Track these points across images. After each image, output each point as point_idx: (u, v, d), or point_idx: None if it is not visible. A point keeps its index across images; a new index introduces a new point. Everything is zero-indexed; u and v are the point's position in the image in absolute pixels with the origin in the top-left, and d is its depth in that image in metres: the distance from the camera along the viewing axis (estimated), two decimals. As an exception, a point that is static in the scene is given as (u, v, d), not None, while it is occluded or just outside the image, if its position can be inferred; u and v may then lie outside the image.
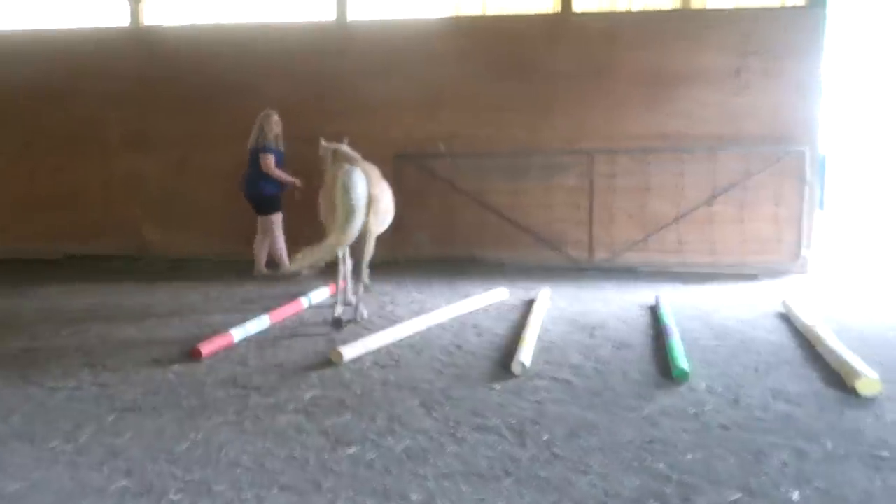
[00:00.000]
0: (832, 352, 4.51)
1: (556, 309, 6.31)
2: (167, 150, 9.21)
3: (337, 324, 5.61)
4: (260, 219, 7.87)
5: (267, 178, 7.64)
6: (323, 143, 6.74)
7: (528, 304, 6.37)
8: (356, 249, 6.06)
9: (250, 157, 7.73)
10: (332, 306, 5.90)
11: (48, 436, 3.49)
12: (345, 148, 6.55)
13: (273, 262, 8.05)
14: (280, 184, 7.76)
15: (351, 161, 6.15)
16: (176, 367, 4.59)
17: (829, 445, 3.30)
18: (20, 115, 9.39)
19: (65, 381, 4.33)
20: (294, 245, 7.47)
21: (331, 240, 5.53)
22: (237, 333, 5.16)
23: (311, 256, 5.55)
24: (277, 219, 7.88)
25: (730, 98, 8.08)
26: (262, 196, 7.74)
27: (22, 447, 3.36)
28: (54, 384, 4.28)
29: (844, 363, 4.24)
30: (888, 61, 13.22)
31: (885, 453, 3.21)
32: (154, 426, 3.60)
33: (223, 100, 8.98)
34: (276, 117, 7.70)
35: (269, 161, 7.58)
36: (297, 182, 7.74)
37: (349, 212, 5.51)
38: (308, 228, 7.33)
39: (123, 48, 9.22)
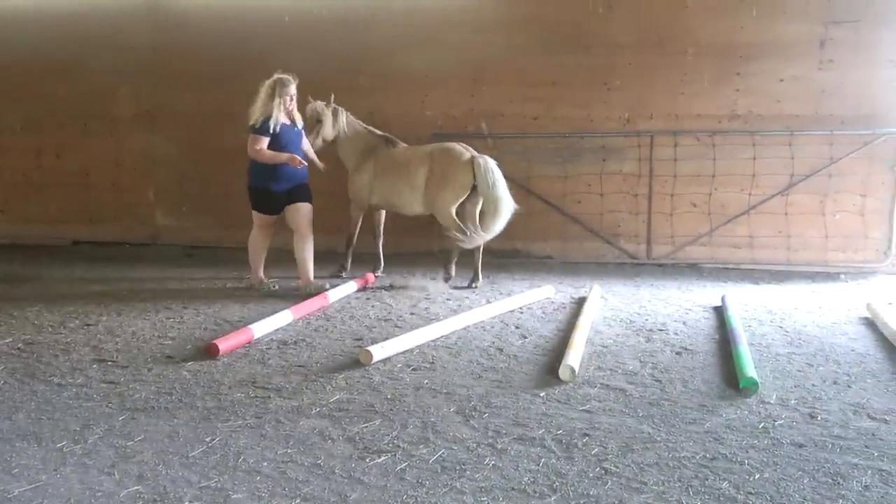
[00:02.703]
0: (924, 363, 4.44)
1: (609, 309, 6.30)
2: (183, 128, 9.38)
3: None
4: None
5: (256, 164, 6.78)
6: (322, 103, 7.43)
7: (578, 304, 6.37)
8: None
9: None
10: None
11: (55, 436, 3.60)
12: (351, 118, 7.57)
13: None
14: (277, 176, 6.76)
15: (376, 136, 7.57)
16: (191, 365, 4.70)
17: (918, 468, 3.26)
18: (24, 88, 9.66)
19: (72, 378, 4.46)
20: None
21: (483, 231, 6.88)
22: (257, 329, 5.26)
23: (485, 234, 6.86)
24: (259, 220, 7.01)
25: (811, 73, 7.93)
26: (248, 187, 6.96)
27: (28, 447, 3.48)
28: (61, 380, 4.41)
29: (938, 376, 4.17)
30: None
31: (982, 479, 3.16)
32: (167, 428, 3.70)
33: (244, 74, 9.02)
34: (293, 88, 6.77)
35: (256, 144, 6.64)
36: (296, 160, 6.68)
37: (507, 203, 6.84)
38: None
39: (135, 16, 9.39)
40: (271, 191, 6.81)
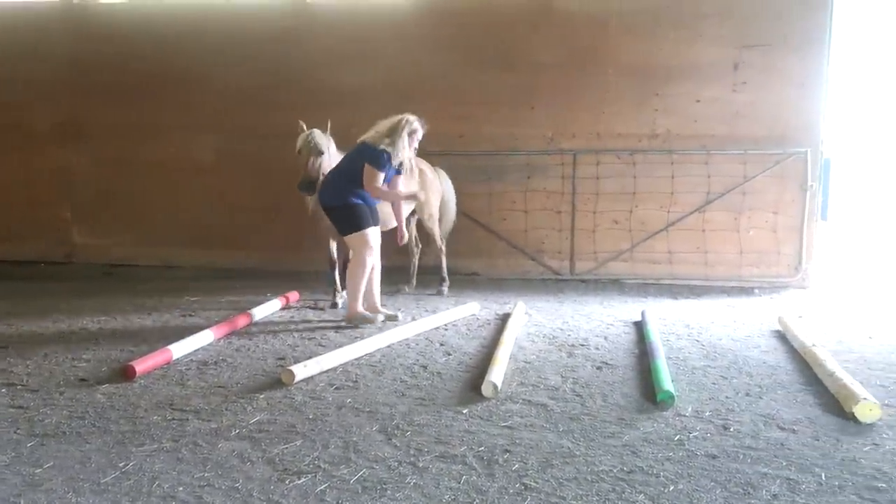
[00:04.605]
0: (830, 374, 4.61)
1: (532, 325, 6.37)
2: (102, 144, 9.15)
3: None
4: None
5: (336, 181, 6.20)
6: (319, 132, 6.68)
7: (502, 320, 6.42)
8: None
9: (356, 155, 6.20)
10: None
11: (-42, 464, 3.45)
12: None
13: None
14: (359, 194, 6.14)
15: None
16: (105, 388, 4.55)
17: (824, 476, 3.37)
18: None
19: (-22, 403, 4.28)
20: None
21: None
22: (176, 350, 5.14)
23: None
24: (365, 239, 6.15)
25: (726, 95, 8.22)
26: (332, 207, 6.21)
27: (-73, 477, 3.32)
28: (-34, 406, 4.23)
29: (843, 387, 4.33)
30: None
31: (881, 484, 3.29)
32: (79, 454, 3.57)
33: (168, 88, 8.94)
34: (420, 135, 6.28)
35: (376, 180, 6.04)
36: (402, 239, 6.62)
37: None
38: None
39: (54, 27, 9.15)
40: (358, 204, 6.12)
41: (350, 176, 6.10)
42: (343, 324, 6.32)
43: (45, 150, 9.30)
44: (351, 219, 6.13)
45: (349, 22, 8.68)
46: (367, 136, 6.16)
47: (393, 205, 6.53)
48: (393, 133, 6.04)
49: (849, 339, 5.91)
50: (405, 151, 6.10)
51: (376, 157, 5.99)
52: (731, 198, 8.25)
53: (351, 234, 6.15)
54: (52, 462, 3.48)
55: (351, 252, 6.34)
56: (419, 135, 6.22)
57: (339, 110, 8.53)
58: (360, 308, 6.27)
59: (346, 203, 6.10)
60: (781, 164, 8.14)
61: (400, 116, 6.16)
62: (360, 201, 6.13)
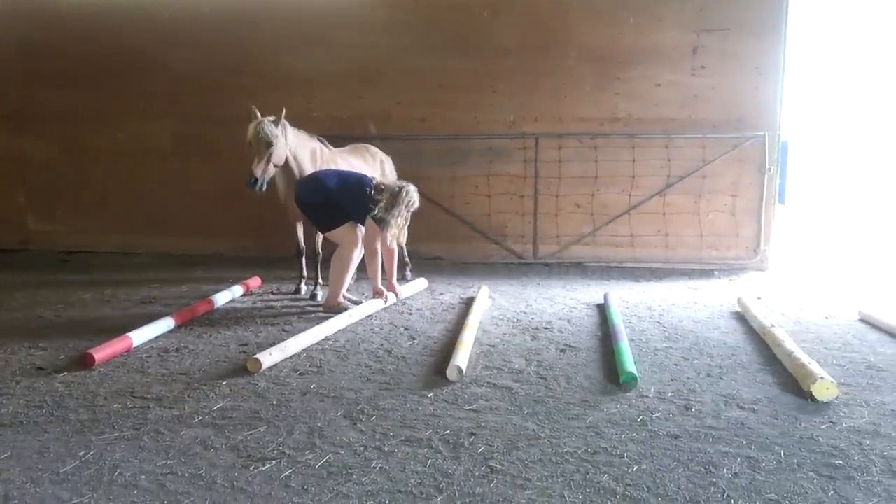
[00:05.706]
0: (789, 354, 4.69)
1: (496, 308, 6.38)
2: (57, 130, 8.97)
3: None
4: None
5: (320, 180, 6.17)
6: (271, 121, 6.22)
7: (466, 304, 6.43)
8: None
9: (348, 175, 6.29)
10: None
11: (-90, 457, 3.36)
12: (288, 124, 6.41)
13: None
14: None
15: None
16: (63, 376, 4.47)
17: (783, 454, 3.44)
18: None
19: (-69, 394, 4.17)
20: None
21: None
22: (136, 337, 5.06)
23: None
24: (354, 231, 6.22)
25: (685, 79, 8.27)
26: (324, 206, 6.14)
27: None
28: (-82, 397, 4.13)
29: (801, 366, 4.42)
30: (856, 40, 13.68)
31: (838, 461, 3.37)
32: (37, 443, 3.51)
33: (123, 73, 8.76)
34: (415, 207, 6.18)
35: (379, 241, 6.14)
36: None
37: None
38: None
39: (2, 12, 8.90)
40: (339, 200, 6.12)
41: (344, 193, 6.06)
42: (308, 309, 6.29)
43: (-5, 136, 9.10)
44: (336, 213, 6.07)
45: (308, 5, 8.57)
46: (375, 181, 6.12)
47: (369, 261, 6.25)
48: (393, 201, 5.94)
49: (806, 320, 6.03)
50: (396, 221, 6.00)
51: (384, 222, 5.97)
52: (691, 181, 8.34)
53: (336, 227, 6.10)
54: (10, 452, 3.42)
55: (316, 240, 6.41)
56: (414, 207, 6.13)
57: (297, 94, 8.50)
58: (342, 298, 6.21)
59: (329, 200, 6.03)
60: (740, 147, 8.23)
61: (404, 187, 6.05)
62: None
